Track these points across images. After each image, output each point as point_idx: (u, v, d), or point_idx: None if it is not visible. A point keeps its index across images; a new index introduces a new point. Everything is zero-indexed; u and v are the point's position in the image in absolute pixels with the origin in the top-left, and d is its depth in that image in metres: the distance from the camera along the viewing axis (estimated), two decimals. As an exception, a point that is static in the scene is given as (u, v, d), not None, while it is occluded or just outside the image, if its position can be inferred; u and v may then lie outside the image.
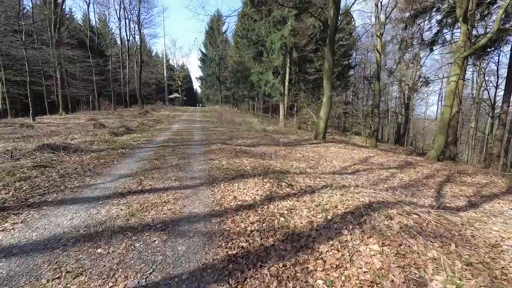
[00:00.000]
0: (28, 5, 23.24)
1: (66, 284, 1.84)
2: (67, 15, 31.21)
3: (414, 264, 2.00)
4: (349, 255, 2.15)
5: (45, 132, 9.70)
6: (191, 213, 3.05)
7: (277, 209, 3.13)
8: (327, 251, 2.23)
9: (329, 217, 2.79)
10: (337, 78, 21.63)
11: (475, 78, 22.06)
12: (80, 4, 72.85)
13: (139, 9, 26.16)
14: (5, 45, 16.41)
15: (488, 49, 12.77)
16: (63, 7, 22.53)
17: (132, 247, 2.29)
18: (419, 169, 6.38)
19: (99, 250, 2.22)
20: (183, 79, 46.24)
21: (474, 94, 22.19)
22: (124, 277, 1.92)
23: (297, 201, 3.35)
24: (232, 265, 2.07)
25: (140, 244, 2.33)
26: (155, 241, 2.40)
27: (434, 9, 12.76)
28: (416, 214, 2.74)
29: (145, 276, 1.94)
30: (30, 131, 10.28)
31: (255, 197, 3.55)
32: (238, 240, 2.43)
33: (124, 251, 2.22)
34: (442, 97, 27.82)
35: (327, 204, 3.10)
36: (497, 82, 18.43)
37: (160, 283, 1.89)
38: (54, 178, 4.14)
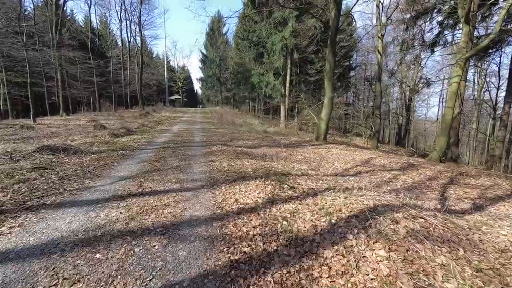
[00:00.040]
0: (30, 7, 23.31)
1: (63, 291, 1.79)
2: (69, 17, 31.29)
3: (422, 270, 1.94)
4: (355, 261, 2.08)
5: (45, 133, 9.67)
6: (192, 217, 2.99)
7: (280, 213, 3.06)
8: (332, 257, 2.17)
9: (333, 221, 2.73)
10: (338, 79, 21.60)
11: (476, 79, 22.03)
12: (81, 5, 73.15)
13: (140, 11, 26.25)
14: (6, 47, 16.44)
15: (490, 50, 12.74)
16: (65, 8, 22.60)
17: (132, 252, 2.23)
18: (422, 171, 6.31)
19: (97, 256, 2.16)
20: (183, 80, 46.27)
21: (475, 96, 22.14)
22: (123, 284, 1.86)
23: (299, 204, 3.29)
24: (235, 271, 2.01)
25: (140, 249, 2.27)
26: (155, 246, 2.34)
27: (435, 11, 12.74)
28: (422, 218, 2.68)
29: (145, 283, 1.87)
30: (31, 132, 10.25)
31: (257, 200, 3.49)
32: (240, 245, 2.37)
33: (123, 257, 2.16)
34: (443, 98, 27.81)
35: (330, 207, 3.04)
36: (498, 83, 18.41)
37: (160, 290, 1.83)
38: (53, 180, 4.09)
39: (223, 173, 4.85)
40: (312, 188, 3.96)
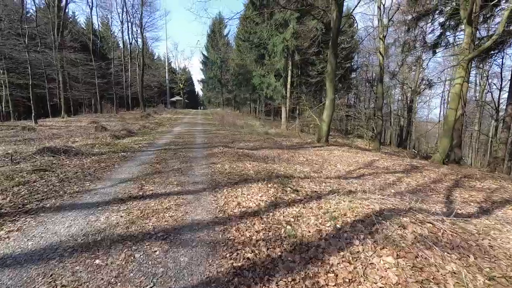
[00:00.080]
0: (32, 9, 23.46)
1: (61, 299, 1.73)
2: (70, 19, 31.46)
3: (433, 278, 1.87)
4: (362, 268, 2.02)
5: (46, 135, 9.65)
6: (193, 221, 2.93)
7: (283, 217, 3.00)
8: (338, 263, 2.10)
9: (338, 225, 2.66)
10: (339, 81, 21.56)
11: (478, 81, 21.94)
12: (83, 7, 73.50)
13: (142, 13, 26.31)
14: (8, 49, 16.49)
15: (492, 52, 12.67)
16: (66, 10, 22.66)
17: (132, 258, 2.17)
18: (426, 173, 6.24)
19: (97, 262, 2.10)
20: (184, 82, 46.38)
21: (477, 97, 22.02)
22: (123, 292, 1.80)
23: (303, 207, 3.23)
24: (238, 279, 1.95)
25: (140, 255, 2.21)
26: (156, 251, 2.28)
27: (437, 12, 12.70)
28: (430, 223, 2.61)
29: (145, 291, 1.81)
30: (32, 134, 10.23)
31: (259, 203, 3.42)
32: (243, 251, 2.31)
33: (123, 263, 2.10)
34: (444, 100, 27.72)
35: (335, 211, 2.97)
36: (501, 85, 18.29)
37: (161, 298, 1.77)
38: (53, 183, 4.04)
39: (225, 175, 4.79)
40: (315, 191, 3.89)
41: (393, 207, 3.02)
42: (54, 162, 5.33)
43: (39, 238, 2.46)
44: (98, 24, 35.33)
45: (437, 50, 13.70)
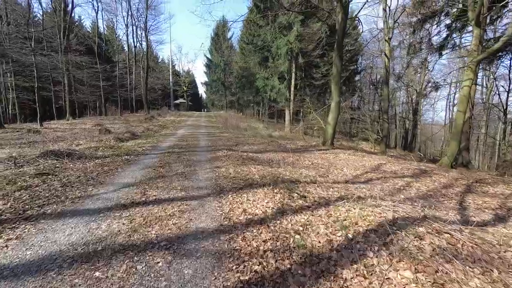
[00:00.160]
0: (39, 13, 23.81)
1: (58, 315, 1.62)
2: (76, 23, 31.87)
3: (457, 297, 1.73)
4: (379, 284, 1.88)
5: (51, 137, 9.66)
6: (197, 229, 2.82)
7: (291, 225, 2.87)
8: (352, 278, 1.97)
9: (349, 235, 2.53)
10: (343, 83, 21.39)
11: (485, 83, 21.58)
12: (89, 11, 74.86)
13: (146, 16, 26.57)
14: (15, 52, 16.70)
15: (500, 53, 12.43)
16: (72, 14, 22.95)
17: (134, 270, 2.06)
18: (435, 177, 6.06)
19: (96, 274, 2.00)
20: (188, 84, 46.60)
21: (484, 99, 21.64)
22: (124, 308, 1.69)
23: (312, 215, 3.10)
24: (245, 294, 1.83)
25: (142, 267, 2.10)
26: (158, 262, 2.17)
27: (443, 14, 12.51)
28: (448, 233, 2.46)
29: (147, 307, 1.70)
30: (37, 136, 10.27)
31: (266, 210, 3.30)
32: (250, 262, 2.19)
33: (124, 275, 1.99)
34: (450, 102, 27.34)
35: (345, 219, 2.84)
36: (509, 87, 17.91)
37: (164, 315, 1.65)
38: (56, 187, 3.97)
39: (230, 180, 4.68)
40: (323, 197, 3.76)
41: (407, 215, 2.88)
42: (57, 165, 5.28)
43: (38, 247, 2.37)
44: (104, 28, 35.83)
45: (443, 52, 13.50)
